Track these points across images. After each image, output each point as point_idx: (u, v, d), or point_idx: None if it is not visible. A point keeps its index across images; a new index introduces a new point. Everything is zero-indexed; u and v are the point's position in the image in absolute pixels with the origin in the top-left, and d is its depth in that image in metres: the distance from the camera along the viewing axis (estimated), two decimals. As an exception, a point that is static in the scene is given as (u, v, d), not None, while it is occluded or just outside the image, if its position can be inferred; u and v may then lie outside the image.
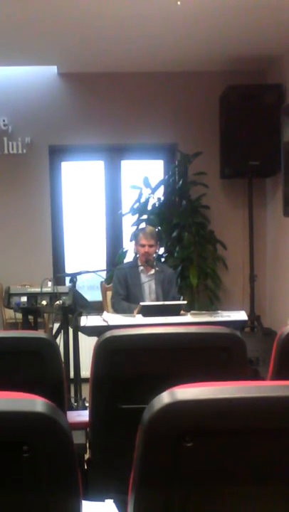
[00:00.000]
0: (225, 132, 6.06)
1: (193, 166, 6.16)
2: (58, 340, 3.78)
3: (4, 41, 5.35)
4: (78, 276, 4.12)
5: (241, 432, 1.19)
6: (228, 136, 6.00)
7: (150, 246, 4.65)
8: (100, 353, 2.09)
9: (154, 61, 6.01)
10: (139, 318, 3.75)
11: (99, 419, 2.16)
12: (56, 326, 4.04)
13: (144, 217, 6.12)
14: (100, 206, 6.65)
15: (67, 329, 3.97)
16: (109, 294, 4.87)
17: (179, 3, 4.46)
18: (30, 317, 4.15)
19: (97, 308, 4.55)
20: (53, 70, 6.23)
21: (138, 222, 6.09)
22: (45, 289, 3.85)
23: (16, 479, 1.17)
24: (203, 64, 6.11)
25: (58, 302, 3.79)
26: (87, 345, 3.85)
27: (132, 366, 2.10)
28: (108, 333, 2.11)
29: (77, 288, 4.02)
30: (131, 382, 2.09)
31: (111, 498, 1.60)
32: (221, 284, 6.22)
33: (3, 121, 6.24)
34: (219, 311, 3.94)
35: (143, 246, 4.64)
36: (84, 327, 3.66)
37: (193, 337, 2.16)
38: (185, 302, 4.50)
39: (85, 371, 2.83)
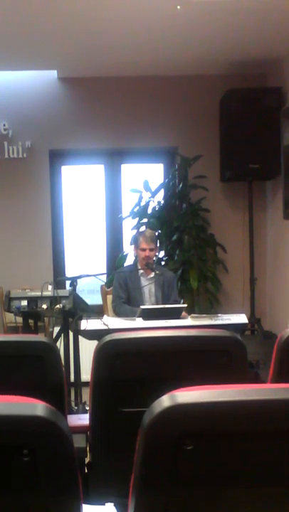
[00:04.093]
0: (225, 135, 6.07)
1: (193, 170, 6.16)
2: (58, 344, 3.79)
3: (4, 46, 5.36)
4: (78, 280, 4.12)
5: (242, 435, 1.19)
6: (228, 140, 6.01)
7: (150, 250, 4.65)
8: (101, 357, 2.09)
9: (153, 65, 6.02)
10: (139, 322, 3.75)
11: (99, 423, 2.16)
12: (56, 329, 4.03)
13: (144, 220, 6.12)
14: (100, 210, 6.65)
15: (68, 333, 3.97)
16: (109, 297, 4.86)
17: (178, 7, 4.47)
18: (31, 321, 4.15)
19: (98, 311, 4.55)
20: (53, 74, 6.24)
21: (138, 225, 6.09)
22: (45, 293, 3.85)
23: (16, 483, 1.17)
24: (203, 68, 6.12)
25: (58, 306, 3.79)
26: (88, 348, 3.85)
27: (132, 369, 2.10)
28: (108, 337, 2.11)
29: (77, 292, 4.02)
30: (131, 385, 2.09)
31: (111, 502, 1.60)
32: (221, 287, 6.22)
33: (4, 125, 6.25)
34: (219, 314, 3.94)
35: (144, 250, 4.64)
36: (84, 331, 3.66)
37: (194, 340, 2.16)
38: (185, 305, 4.50)
39: (86, 375, 2.83)
